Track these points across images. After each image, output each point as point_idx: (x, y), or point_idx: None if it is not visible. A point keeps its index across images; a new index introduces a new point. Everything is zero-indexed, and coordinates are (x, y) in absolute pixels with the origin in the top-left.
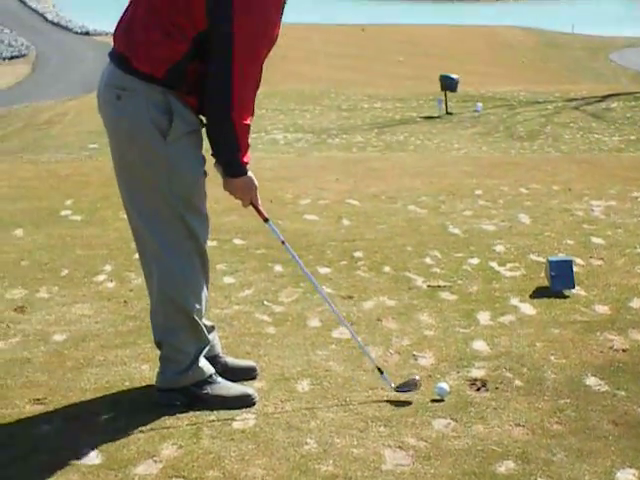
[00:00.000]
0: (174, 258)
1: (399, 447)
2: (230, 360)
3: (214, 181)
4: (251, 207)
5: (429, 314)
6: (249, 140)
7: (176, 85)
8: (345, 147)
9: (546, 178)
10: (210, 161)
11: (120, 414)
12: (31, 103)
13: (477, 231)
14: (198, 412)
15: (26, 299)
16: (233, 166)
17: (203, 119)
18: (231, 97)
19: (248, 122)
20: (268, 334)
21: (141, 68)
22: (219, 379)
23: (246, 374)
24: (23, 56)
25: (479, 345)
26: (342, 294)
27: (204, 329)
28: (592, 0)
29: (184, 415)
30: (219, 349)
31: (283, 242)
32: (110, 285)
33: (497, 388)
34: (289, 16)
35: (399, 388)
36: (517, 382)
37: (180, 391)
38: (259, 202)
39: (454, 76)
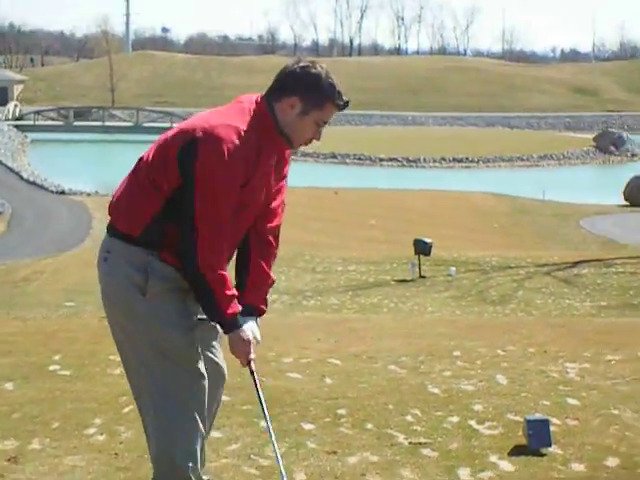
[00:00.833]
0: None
1: None
2: None
3: None
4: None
5: (411, 470)
6: (231, 290)
7: (154, 244)
8: (320, 309)
9: (522, 340)
10: None
11: None
12: (6, 261)
13: (456, 391)
14: None
15: (19, 450)
16: (222, 323)
17: None
18: (196, 256)
19: (222, 272)
20: None
21: (121, 229)
22: None
23: None
24: None
25: None
26: (326, 449)
27: None
28: (562, 168)
29: None
30: None
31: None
32: (100, 438)
33: None
34: None
35: None
36: None
37: None
38: (254, 363)
39: (427, 240)
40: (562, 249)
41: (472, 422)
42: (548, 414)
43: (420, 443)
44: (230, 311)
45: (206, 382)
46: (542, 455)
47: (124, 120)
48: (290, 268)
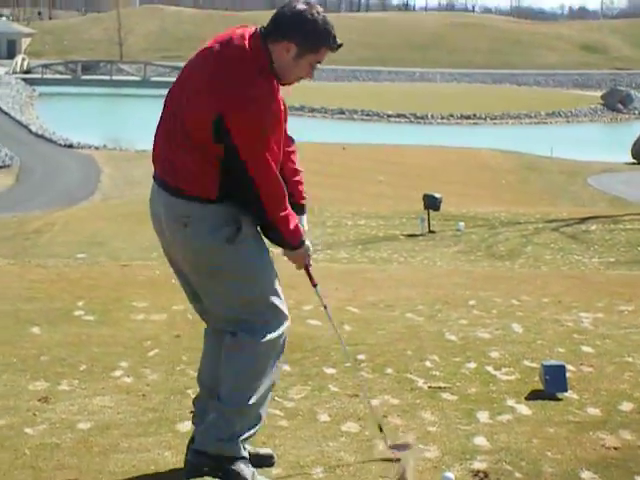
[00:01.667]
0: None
1: None
2: (249, 448)
3: None
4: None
5: (432, 412)
6: (294, 223)
7: (231, 196)
8: (330, 262)
9: (536, 291)
10: None
11: None
12: (17, 213)
13: (473, 338)
14: None
15: (49, 391)
16: (285, 246)
17: None
18: (262, 205)
19: (285, 213)
20: (281, 427)
21: (197, 194)
22: (249, 466)
23: (264, 461)
24: (7, 167)
25: (480, 440)
26: (348, 392)
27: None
28: (570, 125)
29: None
30: None
31: (325, 307)
32: (127, 380)
33: (498, 479)
34: None
35: (393, 447)
36: (517, 474)
37: (213, 458)
38: (311, 267)
39: (437, 195)
40: (570, 206)
41: (489, 368)
42: (564, 361)
43: (439, 387)
44: (296, 242)
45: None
46: (558, 400)
47: (132, 74)
48: None
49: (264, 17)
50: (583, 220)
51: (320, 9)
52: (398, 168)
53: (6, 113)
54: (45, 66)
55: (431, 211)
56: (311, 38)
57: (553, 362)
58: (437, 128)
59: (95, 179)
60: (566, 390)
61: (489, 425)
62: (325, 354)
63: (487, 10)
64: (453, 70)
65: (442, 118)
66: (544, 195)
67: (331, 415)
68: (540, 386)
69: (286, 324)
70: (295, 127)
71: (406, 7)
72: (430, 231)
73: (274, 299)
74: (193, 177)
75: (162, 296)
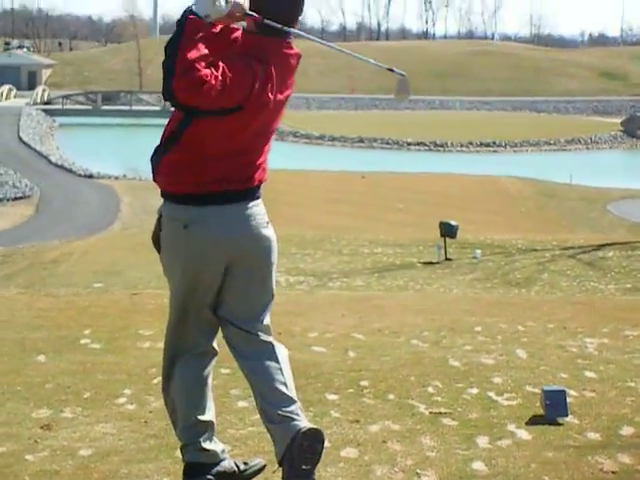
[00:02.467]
0: None
1: None
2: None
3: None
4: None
5: (431, 437)
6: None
7: None
8: (346, 290)
9: (542, 317)
10: None
11: None
12: (36, 243)
13: (476, 364)
14: None
15: (52, 418)
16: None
17: None
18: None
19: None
20: None
21: (258, 192)
22: None
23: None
24: (27, 197)
25: (478, 465)
26: (349, 418)
27: None
28: (590, 152)
29: None
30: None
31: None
32: (130, 407)
33: None
34: (290, 163)
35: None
36: None
37: None
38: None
39: (453, 223)
40: (588, 233)
41: (491, 394)
42: (566, 386)
43: (440, 413)
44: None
45: None
46: (559, 424)
47: (151, 104)
48: (316, 250)
49: None
50: (600, 247)
51: None
52: (417, 196)
53: (27, 144)
54: (65, 97)
55: (448, 239)
56: None
57: (554, 387)
58: (456, 156)
59: (114, 209)
60: (567, 415)
61: (488, 450)
62: (328, 380)
63: (506, 38)
64: (473, 98)
65: (461, 146)
66: (563, 222)
67: (331, 441)
68: (541, 411)
69: None
70: (315, 156)
71: (425, 36)
72: (447, 259)
73: None
74: (260, 172)
75: None
